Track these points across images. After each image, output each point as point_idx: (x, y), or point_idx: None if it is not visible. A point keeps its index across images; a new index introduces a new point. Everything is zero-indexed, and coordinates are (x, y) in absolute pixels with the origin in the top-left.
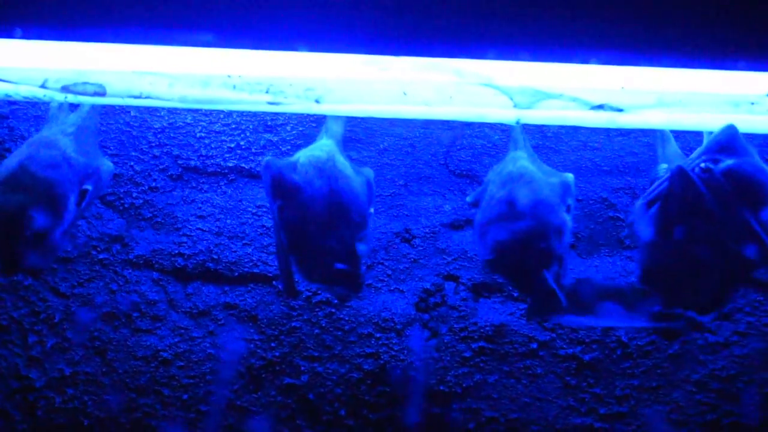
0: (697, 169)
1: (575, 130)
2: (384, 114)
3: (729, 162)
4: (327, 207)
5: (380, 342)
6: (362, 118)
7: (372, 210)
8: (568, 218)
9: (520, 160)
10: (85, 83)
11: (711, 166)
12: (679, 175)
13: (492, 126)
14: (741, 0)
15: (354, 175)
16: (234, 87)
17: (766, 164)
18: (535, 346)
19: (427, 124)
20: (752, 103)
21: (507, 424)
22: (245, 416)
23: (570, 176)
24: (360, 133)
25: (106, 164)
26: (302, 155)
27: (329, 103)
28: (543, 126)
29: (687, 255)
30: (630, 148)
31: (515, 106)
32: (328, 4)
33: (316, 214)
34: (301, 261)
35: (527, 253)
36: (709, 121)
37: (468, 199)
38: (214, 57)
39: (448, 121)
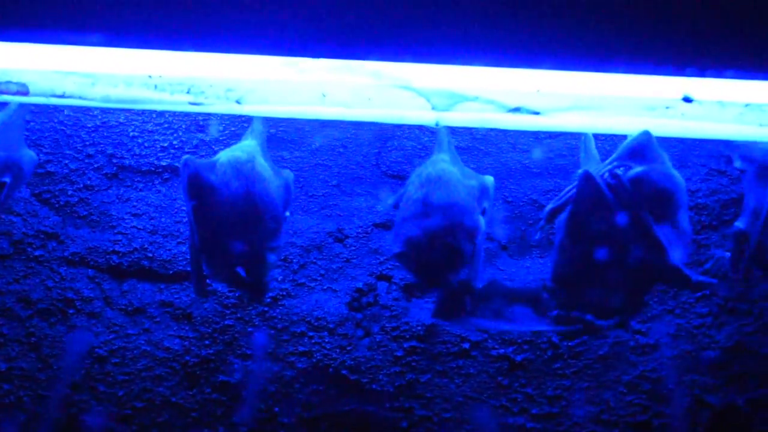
0: (606, 175)
1: (504, 132)
2: (304, 115)
3: (638, 169)
4: (241, 209)
5: (313, 341)
6: (294, 119)
7: (288, 213)
8: (482, 220)
9: (440, 162)
10: (8, 82)
11: (619, 172)
12: (585, 180)
13: (421, 128)
14: (656, 5)
15: (273, 178)
16: (155, 87)
17: (677, 170)
18: (467, 346)
19: (358, 126)
20: (667, 107)
21: (440, 423)
22: (180, 413)
23: (489, 179)
24: (292, 134)
25: (28, 155)
26: (223, 155)
27: (250, 103)
28: (472, 128)
29: (592, 259)
30: (559, 151)
31: (433, 108)
32: (247, 6)
33: (229, 216)
34: (210, 261)
35: (435, 250)
36: (625, 125)
37: (389, 201)
38: (136, 57)
39: (378, 123)
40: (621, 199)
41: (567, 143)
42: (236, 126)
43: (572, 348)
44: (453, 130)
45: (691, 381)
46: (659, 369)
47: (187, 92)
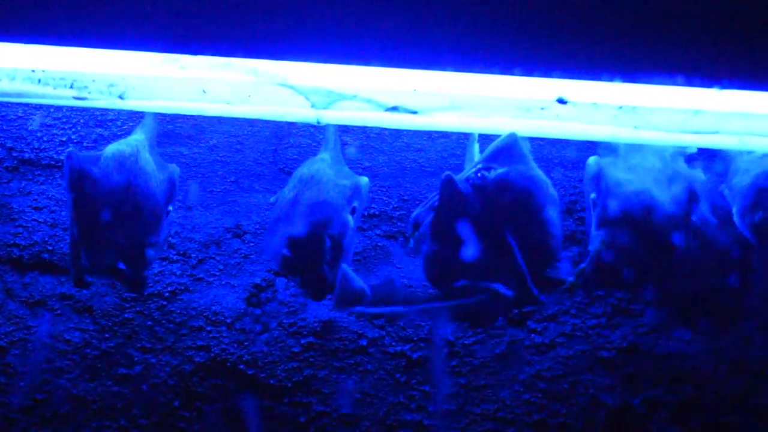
0: (472, 176)
1: (398, 132)
2: (186, 111)
3: (501, 170)
4: (121, 203)
5: (211, 335)
6: (191, 116)
7: (171, 208)
8: (350, 219)
9: (317, 162)
10: None
11: (485, 173)
12: (447, 183)
13: (316, 126)
14: (531, 8)
15: (156, 173)
16: (39, 81)
17: (544, 172)
18: (364, 342)
19: (254, 123)
20: (542, 108)
21: (338, 419)
22: (82, 405)
23: (364, 180)
24: (189, 130)
25: None
26: (109, 149)
27: (132, 99)
28: (366, 127)
29: (459, 261)
30: (452, 150)
31: (312, 106)
32: (128, 2)
33: (108, 209)
34: (89, 253)
35: (304, 249)
36: (502, 125)
37: (271, 199)
38: (20, 51)
39: (274, 121)
40: (484, 201)
41: (461, 143)
42: (134, 121)
43: (468, 346)
44: (347, 129)
45: (586, 381)
46: (555, 368)
47: (71, 87)
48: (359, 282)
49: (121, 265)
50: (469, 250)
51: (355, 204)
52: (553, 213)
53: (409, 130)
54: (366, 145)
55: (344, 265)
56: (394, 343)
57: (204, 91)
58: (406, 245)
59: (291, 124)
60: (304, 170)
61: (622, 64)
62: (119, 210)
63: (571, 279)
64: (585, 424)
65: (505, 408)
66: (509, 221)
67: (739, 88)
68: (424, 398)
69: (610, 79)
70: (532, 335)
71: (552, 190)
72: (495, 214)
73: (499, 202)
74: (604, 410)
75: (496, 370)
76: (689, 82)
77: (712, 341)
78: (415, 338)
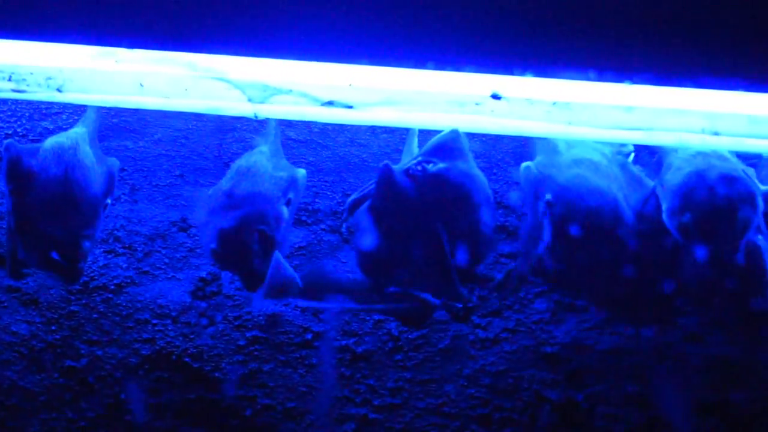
0: (411, 168)
1: (341, 126)
2: (124, 104)
3: (440, 165)
4: (57, 195)
5: (156, 328)
6: (136, 109)
7: (109, 201)
8: (284, 210)
9: (255, 155)
10: None
11: (425, 166)
12: (384, 173)
13: (260, 121)
14: (465, 3)
15: (95, 166)
16: None
17: (479, 169)
18: (309, 336)
19: (199, 117)
20: (477, 104)
21: (284, 412)
22: (28, 397)
23: (301, 172)
24: (134, 124)
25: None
26: (48, 141)
27: (71, 92)
28: (310, 122)
29: (394, 251)
30: (395, 145)
31: (249, 100)
32: None
33: (45, 201)
34: (25, 244)
35: (232, 242)
36: (437, 120)
37: (209, 192)
38: None
39: (218, 115)
40: (420, 194)
41: (403, 138)
42: (79, 115)
43: (412, 341)
44: (290, 123)
45: (530, 375)
46: (499, 363)
47: (9, 79)
48: (290, 271)
49: (56, 256)
50: (400, 241)
51: (291, 196)
52: (487, 213)
53: (352, 125)
54: (309, 139)
55: (277, 253)
56: (338, 337)
57: (141, 84)
58: (340, 230)
59: (235, 119)
60: (241, 162)
61: (555, 60)
62: (55, 202)
63: (499, 276)
64: (529, 419)
65: (449, 402)
66: (443, 216)
67: (671, 84)
68: (368, 392)
69: (544, 75)
70: (477, 330)
71: (488, 190)
72: (430, 208)
73: (435, 196)
74: (548, 405)
75: (440, 364)
76: (621, 79)
77: (655, 337)
78: (360, 332)
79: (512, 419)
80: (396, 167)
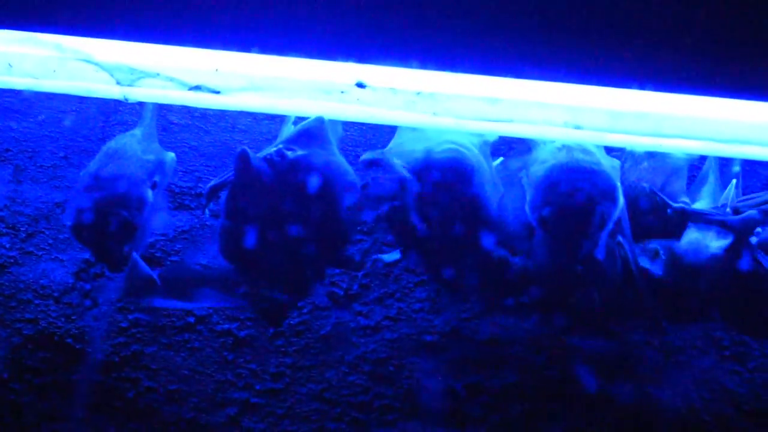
0: (269, 155)
1: (222, 112)
2: None
3: (300, 152)
4: None
5: (39, 308)
6: (20, 90)
7: None
8: (149, 193)
9: (126, 137)
10: None
11: (284, 153)
12: (241, 158)
13: (142, 104)
14: None
15: None
16: None
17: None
18: (192, 320)
19: (83, 100)
20: (342, 92)
21: (166, 395)
22: None
23: (170, 155)
24: (17, 105)
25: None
26: None
27: None
28: (190, 107)
29: (252, 238)
30: (277, 132)
31: (117, 83)
32: None
33: None
34: None
35: (101, 221)
36: (303, 107)
37: (81, 173)
38: None
39: (102, 98)
40: (279, 180)
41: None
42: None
43: (294, 326)
44: (171, 108)
45: (411, 364)
46: (380, 351)
47: None
48: (147, 270)
49: None
50: (257, 228)
51: (157, 179)
52: (349, 199)
53: (234, 111)
54: (191, 124)
55: (134, 254)
56: (221, 321)
57: (10, 65)
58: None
59: (117, 102)
60: (111, 144)
61: (419, 50)
62: None
63: (357, 258)
64: (409, 407)
65: (330, 389)
66: (301, 203)
67: (535, 78)
68: (251, 376)
69: (407, 65)
70: (358, 318)
71: (352, 177)
72: (287, 195)
73: (293, 184)
74: (428, 394)
75: (321, 350)
76: (485, 70)
77: (534, 328)
78: (242, 317)
79: (393, 407)
80: (258, 154)
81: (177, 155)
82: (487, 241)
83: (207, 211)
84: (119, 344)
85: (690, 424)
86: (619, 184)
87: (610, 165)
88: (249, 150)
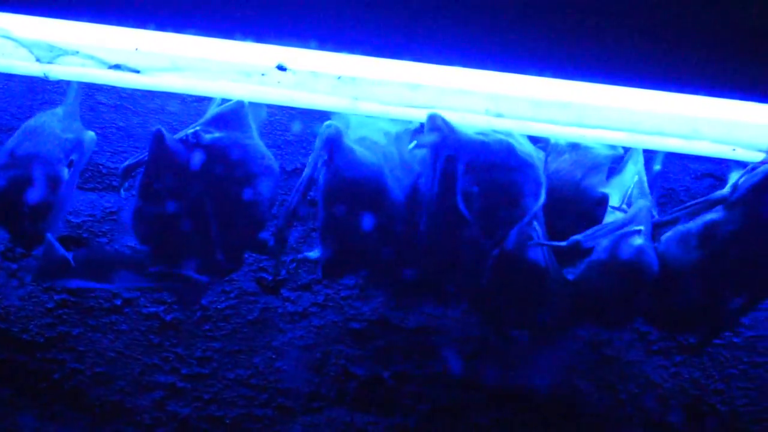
0: (185, 137)
1: (151, 93)
2: None
3: (216, 135)
4: None
5: None
6: None
7: None
8: (65, 172)
9: (47, 115)
10: None
11: (200, 135)
12: (156, 138)
13: (69, 83)
14: None
15: None
16: None
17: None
18: (119, 302)
19: (10, 77)
20: (263, 74)
21: (93, 377)
22: None
23: (89, 134)
24: None
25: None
26: None
27: None
28: (119, 87)
29: (166, 219)
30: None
31: (37, 60)
32: None
33: None
34: None
35: (4, 200)
36: (223, 89)
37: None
38: None
39: (30, 76)
40: (193, 162)
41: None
42: None
43: (221, 311)
44: (100, 88)
45: (338, 351)
46: (308, 337)
47: None
48: (62, 251)
49: None
50: (170, 210)
51: (74, 158)
52: (265, 183)
53: (163, 93)
54: (119, 105)
55: (48, 235)
56: (148, 304)
57: None
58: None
59: (45, 81)
60: (30, 122)
61: (340, 34)
62: None
63: (271, 242)
64: (336, 394)
65: (258, 374)
66: (214, 186)
67: (456, 64)
68: (177, 360)
69: (329, 49)
70: (286, 304)
71: (269, 162)
72: (201, 177)
73: (207, 166)
74: (355, 381)
75: (249, 336)
76: (406, 56)
77: (462, 317)
78: (169, 300)
79: (319, 394)
80: (175, 136)
81: (105, 136)
82: (367, 222)
83: (122, 191)
84: (45, 325)
85: (615, 417)
86: (544, 179)
87: (537, 157)
88: (164, 130)
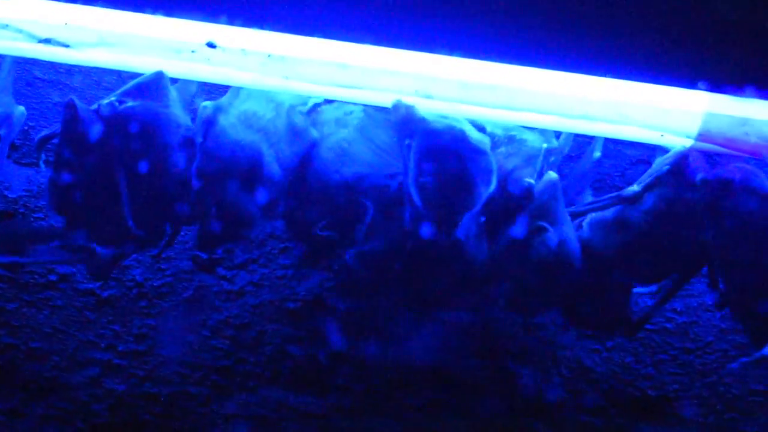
0: (99, 107)
1: (88, 68)
2: None
3: (132, 104)
4: None
5: None
6: None
7: None
8: None
9: None
10: None
11: (114, 105)
12: (68, 108)
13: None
14: None
15: None
16: None
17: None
18: (54, 278)
19: None
20: (193, 51)
21: (28, 352)
22: None
23: (19, 108)
24: None
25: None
26: None
27: None
28: (55, 63)
29: (79, 190)
30: None
31: None
32: None
33: None
34: None
35: None
36: (153, 65)
37: None
38: None
39: None
40: (107, 132)
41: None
42: None
43: (157, 288)
44: (37, 63)
45: (273, 330)
46: (243, 316)
47: None
48: None
49: None
50: (84, 181)
51: (2, 132)
52: (180, 154)
53: (98, 68)
54: (55, 80)
55: None
56: (84, 281)
57: None
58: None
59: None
60: None
61: (271, 12)
62: None
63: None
64: (271, 374)
65: (192, 352)
66: (127, 156)
67: (385, 44)
68: (113, 337)
69: (259, 27)
70: (222, 282)
71: (187, 132)
72: (114, 148)
73: (120, 136)
74: (291, 361)
75: (184, 314)
76: (336, 35)
77: (400, 299)
78: None
79: (254, 373)
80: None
81: (41, 111)
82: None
83: (41, 163)
84: None
85: (548, 401)
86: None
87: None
88: (77, 99)
